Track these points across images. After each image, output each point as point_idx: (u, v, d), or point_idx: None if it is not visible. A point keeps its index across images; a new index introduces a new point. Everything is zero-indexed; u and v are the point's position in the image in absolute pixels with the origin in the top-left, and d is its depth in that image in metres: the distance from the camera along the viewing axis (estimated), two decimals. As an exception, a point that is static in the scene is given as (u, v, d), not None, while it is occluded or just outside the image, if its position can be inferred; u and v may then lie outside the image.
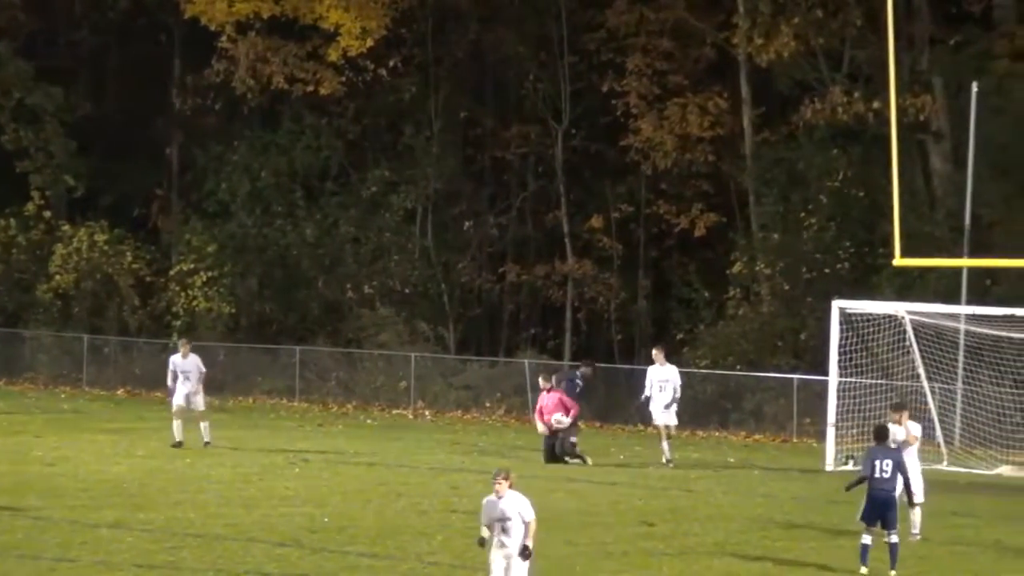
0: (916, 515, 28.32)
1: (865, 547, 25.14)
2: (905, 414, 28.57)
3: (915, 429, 28.72)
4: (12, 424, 45.79)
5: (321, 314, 62.28)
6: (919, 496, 27.88)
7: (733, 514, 32.47)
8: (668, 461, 40.06)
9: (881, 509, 25.16)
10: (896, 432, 27.26)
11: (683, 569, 25.64)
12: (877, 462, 25.22)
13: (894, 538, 25.19)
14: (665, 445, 40.17)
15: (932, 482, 38.41)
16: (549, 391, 40.60)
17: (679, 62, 60.18)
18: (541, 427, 40.43)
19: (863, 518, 25.39)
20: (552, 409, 40.16)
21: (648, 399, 40.39)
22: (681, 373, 49.27)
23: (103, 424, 47.18)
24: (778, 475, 40.08)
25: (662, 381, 40.38)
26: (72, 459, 37.92)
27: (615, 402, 52.54)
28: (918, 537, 28.13)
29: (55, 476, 34.58)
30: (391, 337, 59.54)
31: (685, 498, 34.80)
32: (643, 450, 44.14)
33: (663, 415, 40.27)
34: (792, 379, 48.42)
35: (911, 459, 27.75)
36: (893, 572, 25.05)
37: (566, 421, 40.08)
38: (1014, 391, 41.97)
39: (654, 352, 41.33)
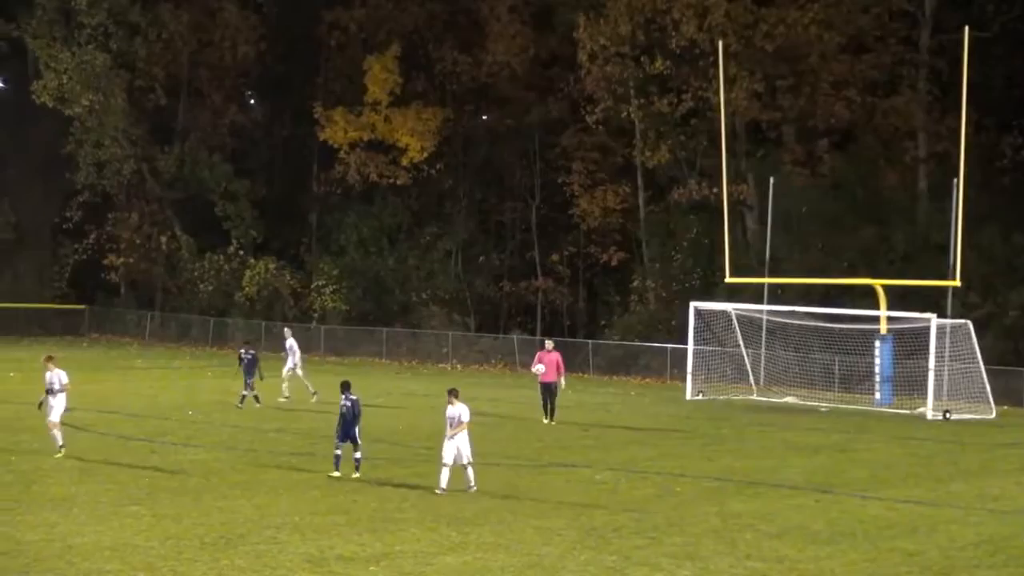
0: (470, 472, 21.09)
1: (338, 457, 22.07)
2: (455, 397, 21.42)
3: (465, 412, 21.16)
4: (223, 372, 45.81)
5: (398, 309, 62.21)
6: (468, 458, 21.01)
7: (637, 423, 32.56)
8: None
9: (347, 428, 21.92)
10: (450, 411, 21.18)
11: (603, 456, 25.71)
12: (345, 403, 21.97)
13: (358, 454, 22.09)
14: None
15: (746, 406, 38.69)
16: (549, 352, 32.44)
17: (602, 165, 60.18)
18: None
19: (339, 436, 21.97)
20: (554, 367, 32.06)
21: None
22: (601, 345, 48.67)
23: (271, 372, 47.14)
24: (659, 401, 40.15)
25: None
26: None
27: (565, 363, 52.24)
28: (474, 489, 20.85)
29: (251, 403, 34.46)
30: (439, 323, 59.54)
31: (609, 415, 34.89)
32: (586, 398, 43.99)
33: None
34: (667, 347, 48.44)
35: (464, 433, 21.01)
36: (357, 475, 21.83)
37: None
38: (794, 353, 42.05)
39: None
